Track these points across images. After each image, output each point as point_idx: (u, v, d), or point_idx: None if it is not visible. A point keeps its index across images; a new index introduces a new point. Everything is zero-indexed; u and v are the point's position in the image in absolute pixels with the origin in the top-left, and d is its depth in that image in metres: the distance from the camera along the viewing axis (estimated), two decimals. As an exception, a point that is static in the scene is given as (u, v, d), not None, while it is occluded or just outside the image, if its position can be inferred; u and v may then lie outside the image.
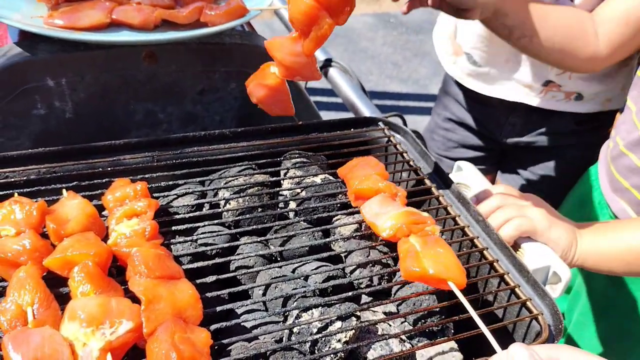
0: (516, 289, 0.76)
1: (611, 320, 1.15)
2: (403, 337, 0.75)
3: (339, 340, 0.69)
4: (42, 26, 0.90)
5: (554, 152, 1.41)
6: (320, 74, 0.87)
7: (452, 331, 0.80)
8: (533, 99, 1.33)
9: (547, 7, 1.09)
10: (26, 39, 0.93)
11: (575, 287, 1.22)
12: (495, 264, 0.79)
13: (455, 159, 1.53)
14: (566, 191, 1.39)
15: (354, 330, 0.70)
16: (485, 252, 0.81)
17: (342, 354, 0.69)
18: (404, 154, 0.97)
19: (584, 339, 1.20)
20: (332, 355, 0.68)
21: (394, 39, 4.77)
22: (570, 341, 1.23)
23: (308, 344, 0.68)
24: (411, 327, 0.77)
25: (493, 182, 1.64)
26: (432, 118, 1.63)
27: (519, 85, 1.33)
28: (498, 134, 1.44)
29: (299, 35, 0.77)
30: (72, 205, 0.75)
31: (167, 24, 0.95)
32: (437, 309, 0.78)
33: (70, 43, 0.91)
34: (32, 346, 0.58)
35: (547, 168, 1.43)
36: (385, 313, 0.80)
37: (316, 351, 0.68)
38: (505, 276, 0.77)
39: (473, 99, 1.46)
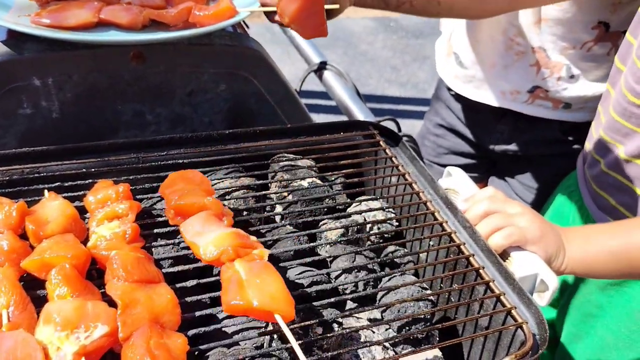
0: (501, 297, 0.75)
1: (605, 329, 1.14)
2: (386, 344, 0.73)
3: (320, 347, 0.68)
4: (28, 25, 0.89)
5: (541, 162, 1.40)
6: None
7: (437, 339, 0.79)
8: (520, 106, 1.32)
9: None
10: (13, 37, 0.92)
11: (565, 297, 1.20)
12: (481, 270, 0.78)
13: (445, 166, 1.53)
14: None
15: (335, 337, 0.69)
16: (471, 258, 0.80)
17: (323, 361, 0.68)
18: (393, 159, 0.96)
19: (577, 350, 1.18)
20: (312, 363, 0.67)
21: (393, 42, 4.76)
22: (564, 353, 1.21)
23: (288, 351, 0.67)
24: (395, 334, 0.76)
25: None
26: (424, 123, 1.62)
27: (505, 91, 1.32)
28: (487, 141, 1.44)
29: None
30: (52, 207, 0.74)
31: (156, 24, 0.94)
32: (422, 316, 0.77)
33: (57, 42, 0.90)
34: (4, 349, 0.57)
35: (535, 177, 1.42)
36: (369, 320, 0.78)
37: (297, 358, 0.67)
38: (491, 284, 0.76)
39: (463, 105, 1.45)
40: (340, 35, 4.67)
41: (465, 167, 1.48)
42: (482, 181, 1.56)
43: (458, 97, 1.45)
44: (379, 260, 0.82)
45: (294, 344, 0.60)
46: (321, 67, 1.68)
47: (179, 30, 0.93)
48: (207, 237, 0.70)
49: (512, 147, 1.40)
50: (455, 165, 1.50)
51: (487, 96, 1.35)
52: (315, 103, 3.07)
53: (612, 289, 1.10)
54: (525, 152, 1.40)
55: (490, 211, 0.87)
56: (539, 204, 1.44)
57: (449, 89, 1.46)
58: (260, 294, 0.62)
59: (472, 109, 1.43)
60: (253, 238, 0.72)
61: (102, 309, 0.62)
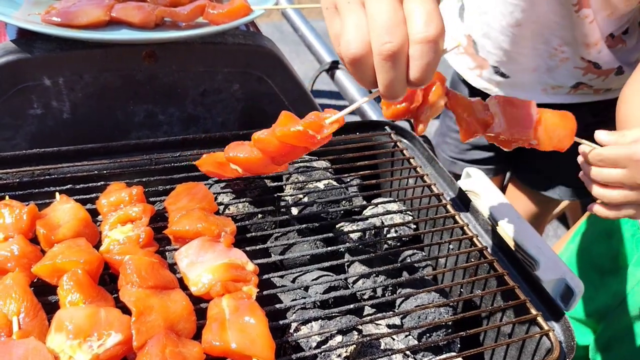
0: (526, 303, 0.72)
1: None
2: (407, 352, 0.71)
3: (339, 356, 0.66)
4: (39, 23, 0.87)
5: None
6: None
7: (459, 346, 0.77)
8: (561, 98, 1.29)
9: None
10: (23, 37, 0.90)
11: (612, 325, 1.13)
12: (505, 276, 0.75)
13: (469, 161, 1.50)
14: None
15: (355, 345, 0.66)
16: (494, 263, 0.77)
17: (343, 370, 0.65)
18: (411, 160, 0.94)
19: None
20: (331, 372, 0.65)
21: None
22: None
23: None
24: (416, 342, 0.74)
25: (503, 180, 1.61)
26: (443, 121, 1.59)
27: (547, 88, 1.29)
28: None
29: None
30: (64, 210, 0.72)
31: (169, 22, 0.92)
32: (443, 323, 0.74)
33: (68, 41, 0.89)
34: (15, 358, 0.55)
35: (561, 162, 1.38)
36: (388, 326, 0.76)
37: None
38: (516, 289, 0.74)
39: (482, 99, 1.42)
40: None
41: (488, 160, 1.45)
42: (502, 172, 1.54)
43: (477, 92, 1.41)
44: (397, 265, 0.79)
45: None
46: (333, 66, 1.66)
47: (192, 29, 0.91)
48: (198, 269, 0.68)
49: None
50: (479, 159, 1.48)
51: (525, 95, 1.32)
52: (327, 103, 3.03)
53: None
54: None
55: (625, 184, 0.77)
56: (573, 183, 1.42)
57: (466, 84, 1.43)
58: (239, 337, 0.60)
59: None
60: (250, 266, 0.69)
61: (116, 316, 0.60)
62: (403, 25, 0.49)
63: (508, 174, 1.60)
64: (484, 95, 1.38)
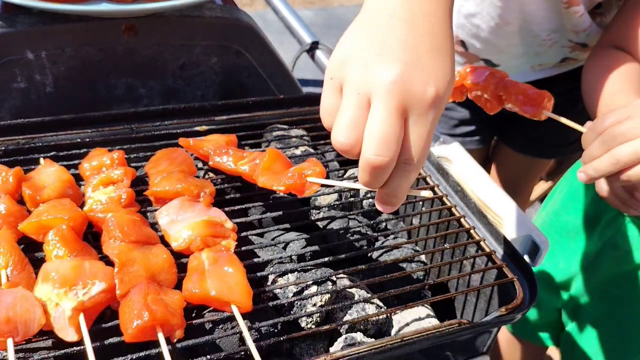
0: (492, 255, 0.76)
1: (626, 320, 1.10)
2: (379, 302, 0.75)
3: (315, 305, 0.70)
4: (21, -3, 0.89)
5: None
6: None
7: (430, 297, 0.81)
8: (545, 73, 1.32)
9: None
10: (6, 12, 0.93)
11: (581, 287, 1.16)
12: (472, 231, 0.79)
13: (459, 135, 1.54)
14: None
15: (329, 295, 0.70)
16: (462, 220, 0.81)
17: (319, 316, 0.69)
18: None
19: (589, 337, 1.16)
20: (306, 317, 0.68)
21: (387, 29, 4.76)
22: (571, 339, 1.20)
23: (284, 308, 0.68)
24: (387, 293, 0.77)
25: (489, 151, 1.65)
26: None
27: (535, 66, 1.32)
28: None
29: None
30: (48, 173, 0.75)
31: (147, -3, 0.95)
32: (414, 276, 0.78)
33: (49, 15, 0.91)
34: (4, 305, 0.58)
35: (545, 125, 1.42)
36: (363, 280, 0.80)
37: (292, 312, 0.68)
38: (482, 243, 0.78)
39: None
40: (334, 22, 4.66)
41: (476, 132, 1.49)
42: (488, 142, 1.58)
43: None
44: (371, 222, 0.83)
45: (248, 339, 0.60)
46: (313, 47, 1.69)
47: (170, 0, 0.94)
48: (179, 226, 0.71)
49: None
50: (468, 132, 1.52)
51: (514, 75, 1.35)
52: (310, 91, 3.06)
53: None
54: None
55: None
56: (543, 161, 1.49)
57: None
58: (218, 284, 0.63)
59: None
60: (229, 224, 0.73)
61: (100, 267, 0.64)
62: (397, 145, 0.49)
63: (494, 142, 1.65)
64: None
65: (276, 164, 0.74)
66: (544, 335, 1.30)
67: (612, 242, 1.07)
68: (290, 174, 0.71)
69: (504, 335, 1.47)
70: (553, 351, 1.61)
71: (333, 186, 0.74)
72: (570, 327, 1.20)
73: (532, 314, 1.29)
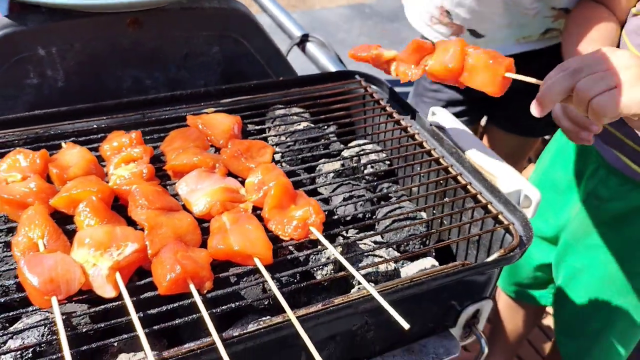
0: (488, 206, 0.82)
1: (609, 261, 1.16)
2: (386, 255, 0.80)
3: (328, 257, 0.75)
4: (30, -3, 0.95)
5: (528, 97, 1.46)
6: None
7: (434, 254, 0.87)
8: (529, 46, 1.38)
9: None
10: (15, 11, 0.98)
11: (567, 238, 1.23)
12: (468, 186, 0.85)
13: None
14: None
15: (340, 247, 0.76)
16: (459, 177, 0.87)
17: (332, 268, 0.75)
18: (380, 101, 1.03)
19: (579, 284, 1.22)
20: (321, 270, 0.74)
21: (369, 28, 4.84)
22: (561, 293, 1.27)
23: (300, 262, 0.74)
24: (397, 253, 0.83)
25: (478, 128, 1.71)
26: (419, 82, 1.68)
27: (519, 38, 1.38)
28: None
29: None
30: (72, 154, 0.80)
31: (149, -9, 1.01)
32: (418, 231, 0.84)
33: (58, 12, 0.96)
34: (47, 267, 0.63)
35: (523, 116, 1.48)
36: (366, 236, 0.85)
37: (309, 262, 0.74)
38: (478, 196, 0.84)
39: None
40: (317, 25, 4.74)
41: (465, 113, 1.55)
42: (477, 120, 1.64)
43: None
44: (373, 187, 0.88)
45: (274, 288, 0.65)
46: (304, 39, 1.75)
47: (171, -6, 1.00)
48: (198, 194, 0.77)
49: None
50: (456, 113, 1.58)
51: (499, 48, 1.40)
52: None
53: (621, 222, 1.13)
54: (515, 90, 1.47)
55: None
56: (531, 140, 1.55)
57: None
58: (241, 239, 0.69)
59: None
60: (243, 190, 0.78)
61: (130, 231, 0.69)
62: None
63: (484, 122, 1.71)
64: None
65: (283, 199, 0.77)
66: (539, 294, 1.37)
67: (594, 193, 1.14)
68: (295, 223, 0.74)
69: (503, 302, 1.53)
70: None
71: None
72: (560, 280, 1.26)
73: (526, 272, 1.35)
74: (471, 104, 1.60)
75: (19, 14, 0.96)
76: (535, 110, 0.79)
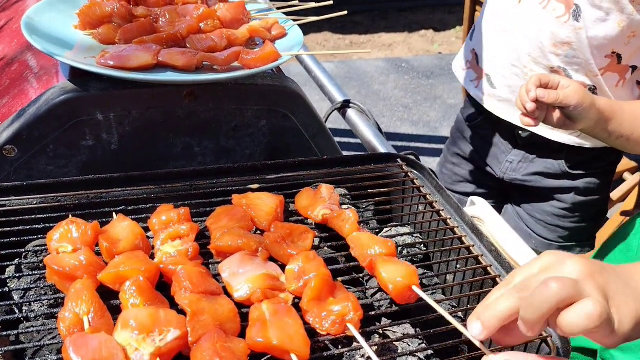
0: (526, 313, 0.82)
1: None
2: (420, 355, 0.80)
3: (363, 356, 0.75)
4: (95, 65, 0.99)
5: (547, 194, 1.49)
6: None
7: (466, 353, 0.86)
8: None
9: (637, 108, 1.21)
10: (78, 76, 1.03)
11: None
12: (506, 290, 0.85)
13: (460, 193, 1.62)
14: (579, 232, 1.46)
15: (376, 347, 0.76)
16: (497, 279, 0.87)
17: (366, 368, 0.75)
18: (421, 189, 1.05)
19: None
20: (357, 368, 0.74)
21: (405, 83, 4.90)
22: None
23: (335, 358, 0.74)
24: (427, 346, 0.83)
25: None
26: (443, 152, 1.72)
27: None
28: (498, 170, 1.55)
29: None
30: (122, 227, 0.83)
31: (208, 65, 1.05)
32: (452, 331, 0.84)
33: (119, 81, 1.01)
34: (91, 349, 0.65)
35: (542, 210, 1.51)
36: (403, 334, 0.85)
37: (343, 363, 0.74)
38: (516, 301, 0.83)
39: (478, 137, 1.57)
40: (354, 75, 4.83)
41: (478, 195, 1.57)
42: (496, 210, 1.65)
43: (474, 130, 1.55)
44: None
45: None
46: (344, 105, 1.78)
47: (228, 72, 1.04)
48: (240, 278, 0.78)
49: (520, 176, 1.51)
50: (469, 193, 1.60)
51: (505, 111, 1.43)
52: (340, 141, 3.17)
53: None
54: (532, 184, 1.49)
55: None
56: (548, 237, 1.53)
57: (468, 123, 1.56)
58: (280, 335, 0.69)
59: (485, 140, 1.54)
60: (283, 278, 0.80)
61: (174, 315, 0.70)
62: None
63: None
64: (481, 107, 1.50)
65: (323, 291, 0.77)
66: None
67: None
68: (333, 318, 0.74)
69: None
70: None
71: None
72: None
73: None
74: (488, 188, 1.62)
75: (82, 80, 1.01)
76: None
